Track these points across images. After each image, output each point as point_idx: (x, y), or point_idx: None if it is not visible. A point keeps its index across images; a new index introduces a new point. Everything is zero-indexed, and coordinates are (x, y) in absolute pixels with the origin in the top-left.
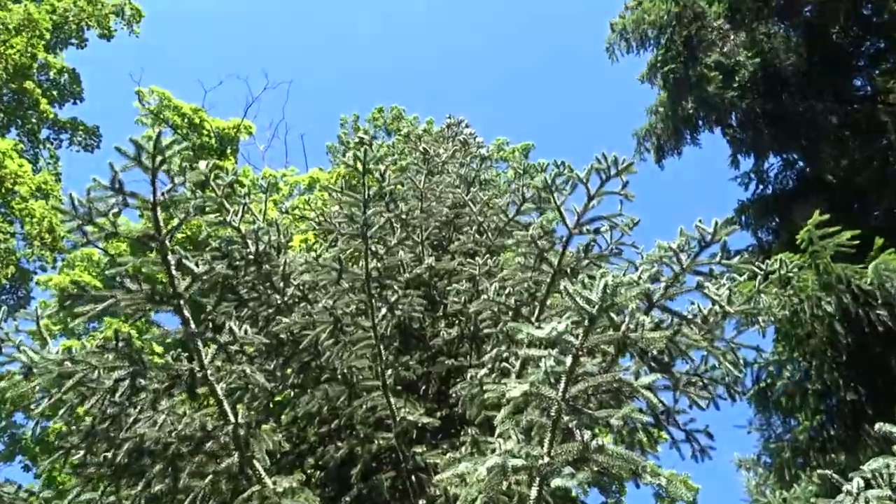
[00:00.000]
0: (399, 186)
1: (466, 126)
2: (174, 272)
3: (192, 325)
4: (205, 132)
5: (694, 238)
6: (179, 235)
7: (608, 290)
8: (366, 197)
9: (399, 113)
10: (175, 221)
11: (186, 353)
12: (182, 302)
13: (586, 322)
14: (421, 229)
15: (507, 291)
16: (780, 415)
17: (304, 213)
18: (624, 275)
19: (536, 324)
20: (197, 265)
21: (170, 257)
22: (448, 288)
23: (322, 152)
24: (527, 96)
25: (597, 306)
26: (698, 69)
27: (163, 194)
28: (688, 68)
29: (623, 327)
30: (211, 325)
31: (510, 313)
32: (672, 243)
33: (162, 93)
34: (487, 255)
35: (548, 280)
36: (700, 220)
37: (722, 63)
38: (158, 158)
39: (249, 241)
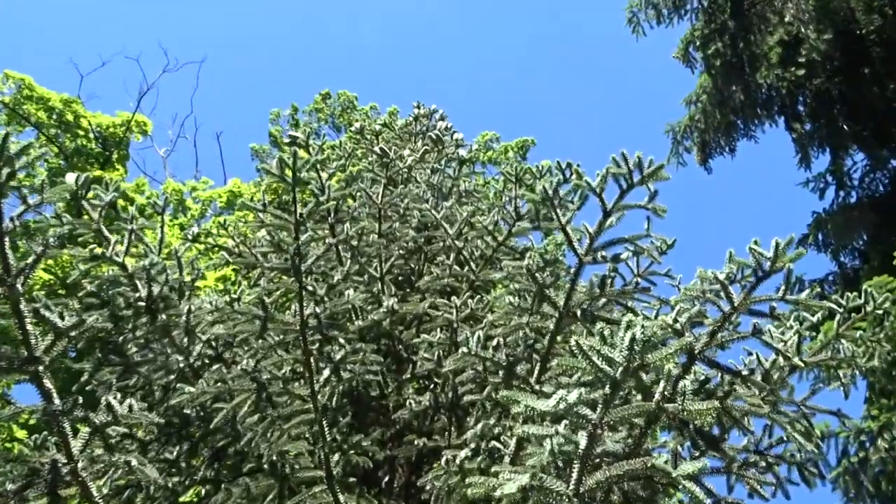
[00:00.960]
0: (349, 201)
1: (441, 118)
2: (29, 327)
3: (56, 400)
4: (81, 132)
5: (749, 265)
6: (42, 276)
7: (638, 346)
8: (298, 217)
9: (350, 101)
10: (32, 258)
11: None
12: (41, 368)
13: (607, 389)
14: (379, 260)
15: (495, 343)
16: (878, 503)
17: (219, 241)
18: (656, 316)
19: (537, 388)
20: (62, 316)
21: (23, 307)
22: (417, 340)
23: (246, 157)
24: (527, 82)
25: (621, 368)
26: (752, 42)
27: (12, 220)
28: (737, 42)
29: (657, 395)
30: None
31: (500, 373)
32: (719, 273)
33: (21, 78)
34: (469, 294)
35: (551, 327)
36: (756, 242)
37: (783, 32)
38: (5, 171)
39: (140, 282)
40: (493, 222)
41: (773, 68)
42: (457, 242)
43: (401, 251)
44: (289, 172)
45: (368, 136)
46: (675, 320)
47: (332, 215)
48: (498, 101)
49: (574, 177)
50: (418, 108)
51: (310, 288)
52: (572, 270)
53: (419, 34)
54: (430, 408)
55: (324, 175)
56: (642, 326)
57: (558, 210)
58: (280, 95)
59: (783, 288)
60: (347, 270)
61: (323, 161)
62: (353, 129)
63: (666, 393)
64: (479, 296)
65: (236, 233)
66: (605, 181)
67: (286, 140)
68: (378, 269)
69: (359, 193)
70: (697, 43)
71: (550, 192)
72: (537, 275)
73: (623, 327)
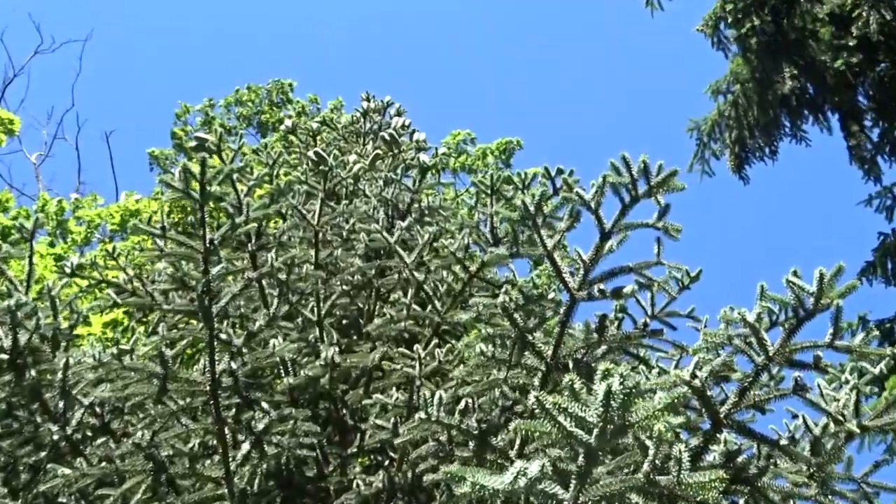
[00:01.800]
0: (276, 223)
1: (397, 113)
2: None
3: None
4: None
5: (788, 303)
6: None
7: (616, 401)
8: (208, 243)
9: (283, 92)
10: None
11: None
12: None
13: (580, 459)
14: (316, 298)
15: (464, 406)
16: None
17: (108, 275)
18: (676, 366)
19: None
20: None
21: None
22: (366, 402)
23: (144, 164)
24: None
25: (596, 431)
26: (798, 15)
27: None
28: (779, 15)
29: (646, 464)
30: None
31: (471, 445)
32: (748, 313)
33: None
34: (434, 342)
35: (536, 383)
36: (795, 272)
37: (835, 3)
38: None
39: (1, 330)
40: (463, 248)
41: (823, 50)
42: (417, 274)
43: (344, 287)
44: (196, 185)
45: (303, 137)
46: (694, 374)
47: (253, 241)
48: (475, 94)
49: (564, 185)
50: (367, 100)
51: (224, 336)
52: (563, 310)
53: (385, 16)
54: (383, 491)
55: (242, 188)
56: (622, 376)
57: (542, 231)
58: (194, 86)
59: (831, 332)
60: (274, 313)
61: (242, 170)
62: (283, 127)
63: (657, 461)
64: (446, 344)
65: (129, 264)
66: (602, 193)
67: (193, 143)
68: (314, 310)
69: (289, 212)
70: (729, 18)
71: (532, 207)
72: (517, 316)
73: (599, 377)
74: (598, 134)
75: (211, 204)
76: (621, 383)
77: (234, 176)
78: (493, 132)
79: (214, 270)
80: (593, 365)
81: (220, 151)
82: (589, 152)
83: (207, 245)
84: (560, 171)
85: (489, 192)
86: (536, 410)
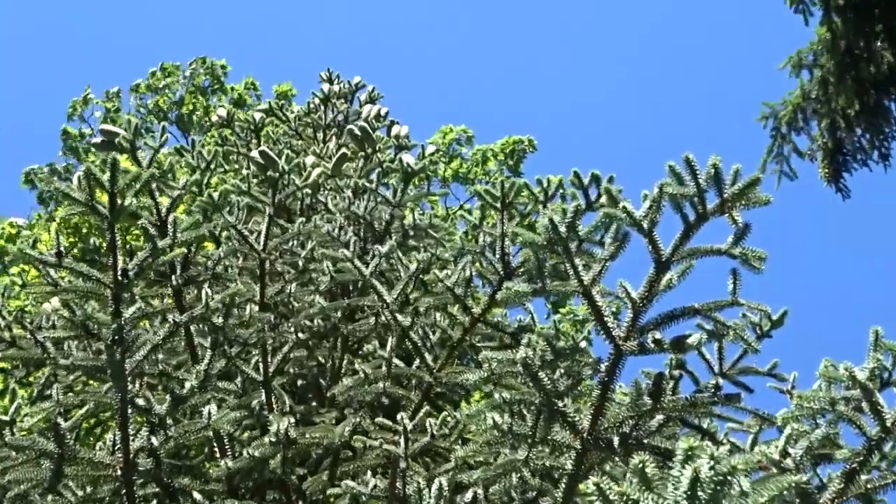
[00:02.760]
0: (209, 247)
1: (370, 99)
2: None
3: None
4: None
5: None
6: None
7: (705, 493)
8: (119, 276)
9: (212, 73)
10: None
11: None
12: None
13: None
14: (263, 351)
15: (470, 497)
16: None
17: None
18: (753, 446)
19: None
20: None
21: None
22: (331, 491)
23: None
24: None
25: None
26: None
27: None
28: None
29: None
30: None
31: None
32: (858, 370)
33: None
34: (424, 410)
35: (569, 466)
36: None
37: None
38: None
39: None
40: (463, 282)
41: None
42: (400, 318)
43: (301, 334)
44: (103, 196)
45: (242, 132)
46: (785, 453)
47: (178, 272)
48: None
49: (605, 200)
50: (329, 81)
51: (141, 402)
52: (604, 366)
53: None
54: None
55: (164, 201)
56: (713, 459)
57: (577, 261)
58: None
59: None
60: (206, 370)
61: (164, 176)
62: (214, 118)
63: None
64: (441, 412)
65: (6, 305)
66: (658, 209)
67: (96, 141)
68: (260, 366)
69: (226, 233)
70: None
71: (563, 226)
72: (542, 375)
73: (679, 461)
74: (636, 131)
75: (122, 221)
76: (712, 468)
77: (154, 185)
78: (492, 133)
79: (128, 312)
80: (645, 440)
81: (134, 151)
82: (624, 155)
83: (119, 278)
84: (597, 179)
85: (499, 205)
86: (592, 500)
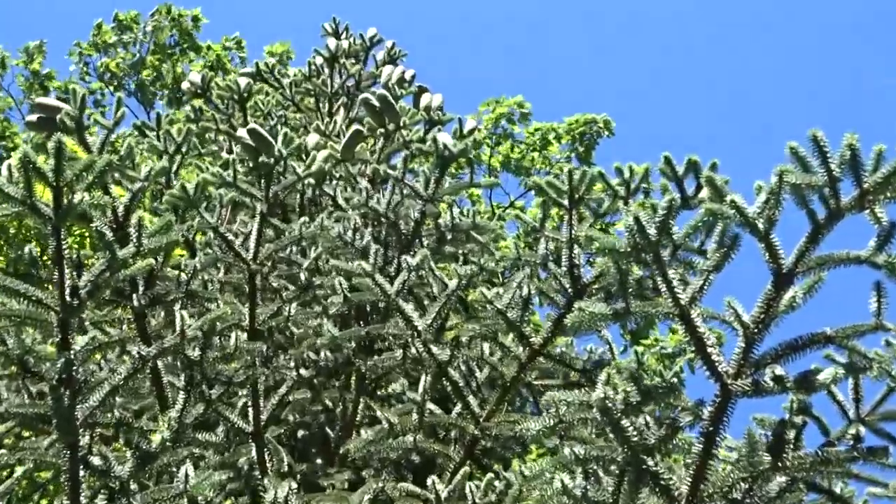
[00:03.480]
0: (182, 255)
1: (390, 58)
2: None
3: None
4: None
5: None
6: None
7: None
8: (68, 297)
9: (182, 26)
10: None
11: None
12: None
13: None
14: (254, 392)
15: None
16: None
17: None
18: None
19: None
20: None
21: None
22: None
23: None
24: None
25: None
26: None
27: None
28: None
29: None
30: None
31: None
32: None
33: None
34: (466, 470)
35: None
36: None
37: None
38: None
39: None
40: (519, 303)
41: None
42: (437, 350)
43: (304, 371)
44: (44, 192)
45: (223, 104)
46: None
47: (141, 290)
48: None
49: (706, 194)
50: (335, 33)
51: (96, 461)
52: (707, 412)
53: None
54: None
55: (122, 196)
56: None
57: (671, 273)
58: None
59: None
60: (180, 419)
61: (122, 163)
62: (185, 86)
63: None
64: (488, 473)
65: None
66: (776, 204)
67: (30, 118)
68: (250, 413)
69: (205, 238)
70: None
71: (653, 229)
72: (626, 423)
73: None
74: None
75: (68, 224)
76: None
77: (112, 173)
78: (546, 114)
79: (79, 343)
80: None
81: (81, 131)
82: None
83: (67, 299)
84: (694, 166)
85: (566, 202)
86: None
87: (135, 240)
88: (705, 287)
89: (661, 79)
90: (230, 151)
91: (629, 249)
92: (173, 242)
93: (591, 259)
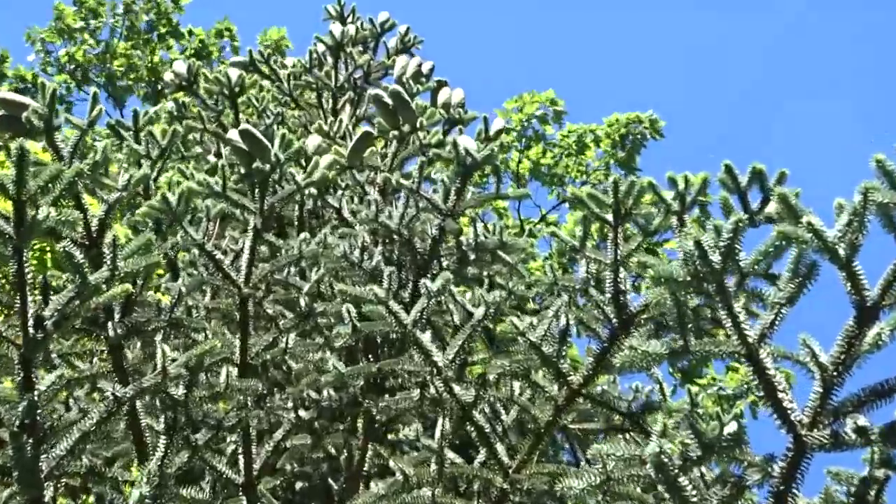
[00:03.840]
0: (162, 275)
1: (403, 46)
2: None
3: None
4: None
5: None
6: None
7: None
8: (31, 328)
9: (161, 8)
10: None
11: None
12: None
13: None
14: (245, 438)
15: None
16: None
17: None
18: None
19: None
20: None
21: None
22: None
23: None
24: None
25: None
26: None
27: None
28: None
29: None
30: None
31: None
32: None
33: None
34: None
35: None
36: None
37: None
38: None
39: None
40: (555, 335)
41: None
42: (459, 390)
43: (303, 413)
44: (4, 205)
45: (211, 99)
46: None
47: (117, 318)
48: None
49: (776, 211)
50: (340, 17)
51: None
52: (778, 467)
53: None
54: None
55: (94, 207)
56: None
57: (737, 306)
58: None
59: None
60: (161, 468)
61: (96, 170)
62: (167, 77)
63: None
64: None
65: None
66: (860, 226)
67: None
68: (241, 461)
69: (188, 257)
70: None
71: (717, 254)
72: (683, 481)
73: None
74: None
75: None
76: None
77: (82, 184)
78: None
79: (44, 383)
80: None
81: (51, 132)
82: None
83: (31, 331)
84: (760, 176)
85: (611, 217)
86: None
87: (109, 261)
88: (777, 322)
89: (711, 75)
90: (218, 155)
91: (689, 279)
92: (154, 264)
93: (637, 282)
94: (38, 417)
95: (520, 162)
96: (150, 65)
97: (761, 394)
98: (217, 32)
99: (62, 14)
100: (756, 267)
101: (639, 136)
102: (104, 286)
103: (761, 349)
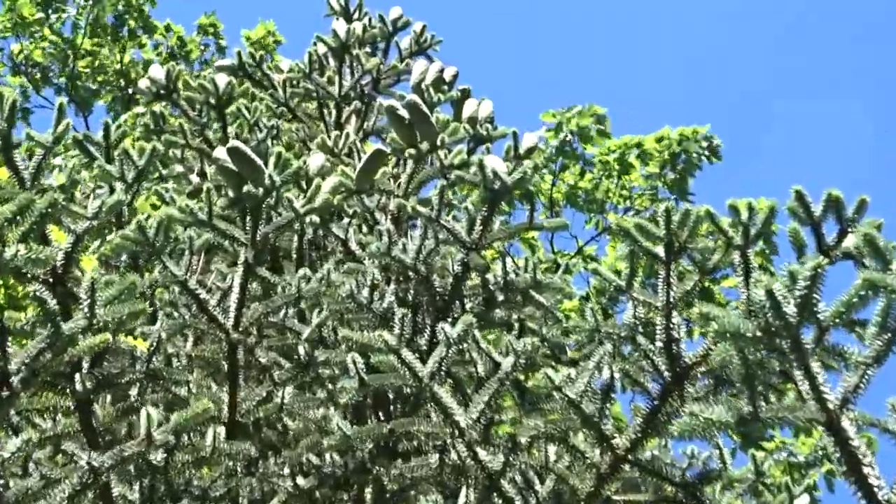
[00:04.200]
0: (127, 343)
1: (418, 46)
2: None
3: None
4: None
5: None
6: None
7: None
8: None
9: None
10: None
11: None
12: None
13: None
14: None
15: None
16: None
17: None
18: None
19: None
20: None
21: None
22: None
23: None
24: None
25: None
26: None
27: None
28: None
29: None
30: None
31: None
32: None
33: None
34: None
35: None
36: None
37: None
38: None
39: None
40: (597, 391)
41: None
42: (485, 456)
43: (302, 480)
44: None
45: (196, 110)
46: None
47: (85, 369)
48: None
49: (855, 246)
50: (345, 13)
51: None
52: None
53: None
54: None
55: (60, 241)
56: None
57: (814, 366)
58: None
59: None
60: None
61: (64, 193)
62: (142, 84)
63: None
64: None
65: None
66: None
67: None
68: None
69: (168, 296)
70: None
71: (792, 305)
72: None
73: None
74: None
75: None
76: None
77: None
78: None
79: (9, 449)
80: None
81: (9, 150)
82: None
83: None
84: (837, 205)
85: (662, 252)
86: None
87: (86, 308)
88: (862, 385)
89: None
90: (203, 175)
91: (759, 333)
92: (137, 312)
93: (692, 327)
94: (2, 490)
95: (553, 185)
96: (119, 65)
97: (842, 466)
98: (201, 29)
99: (16, 4)
100: (837, 321)
101: (694, 156)
102: (80, 336)
103: (843, 416)
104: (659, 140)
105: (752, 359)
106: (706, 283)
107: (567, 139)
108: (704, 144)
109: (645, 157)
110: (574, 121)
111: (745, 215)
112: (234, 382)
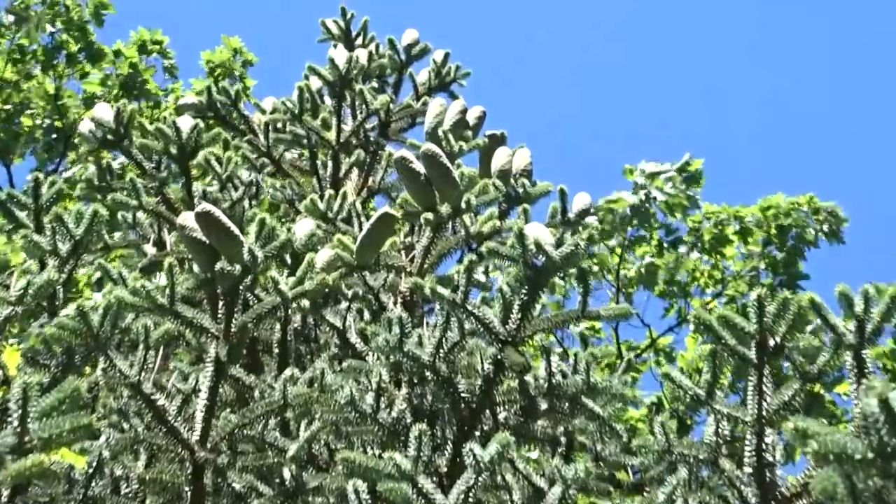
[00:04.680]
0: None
1: (440, 80)
2: None
3: None
4: None
5: None
6: None
7: None
8: None
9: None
10: None
11: None
12: None
13: None
14: None
15: None
16: None
17: None
18: None
19: None
20: None
21: None
22: None
23: None
24: None
25: None
26: None
27: None
28: None
29: None
30: None
31: None
32: None
33: None
34: None
35: None
36: None
37: None
38: None
39: None
40: None
41: None
42: None
43: None
44: None
45: (154, 160)
46: None
47: (7, 498)
48: None
49: None
50: (344, 33)
51: None
52: None
53: None
54: None
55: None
56: None
57: None
58: None
59: None
60: None
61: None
62: (83, 128)
63: None
64: None
65: None
66: None
67: None
68: None
69: (110, 401)
70: None
71: None
72: None
73: None
74: None
75: None
76: None
77: None
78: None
79: None
80: None
81: None
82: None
83: None
84: None
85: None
86: None
87: (17, 422)
88: None
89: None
90: (160, 245)
91: (871, 455)
92: (80, 426)
93: (787, 446)
94: None
95: (621, 261)
96: (53, 100)
97: None
98: (139, 46)
99: None
100: None
101: (809, 232)
102: (8, 458)
103: None
104: (765, 209)
105: (861, 487)
106: (815, 389)
107: (647, 201)
108: (822, 217)
109: (746, 232)
110: (658, 182)
111: (859, 307)
112: None
